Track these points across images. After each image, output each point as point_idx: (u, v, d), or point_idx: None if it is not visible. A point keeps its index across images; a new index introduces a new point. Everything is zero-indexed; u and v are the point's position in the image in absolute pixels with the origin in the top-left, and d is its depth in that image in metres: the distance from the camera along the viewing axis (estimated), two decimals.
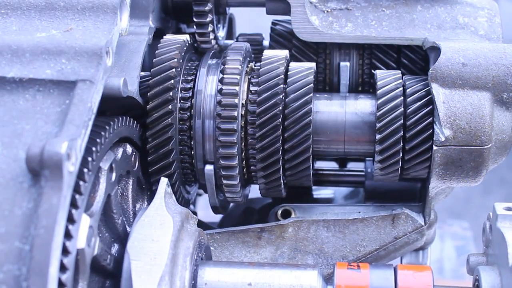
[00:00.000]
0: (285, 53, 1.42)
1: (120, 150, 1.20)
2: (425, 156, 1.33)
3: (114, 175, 1.15)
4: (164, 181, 1.20)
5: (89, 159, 1.03)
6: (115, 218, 1.16)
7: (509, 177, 4.60)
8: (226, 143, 1.33)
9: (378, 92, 1.35)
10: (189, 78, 1.38)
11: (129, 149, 1.25)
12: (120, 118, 1.20)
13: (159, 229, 1.13)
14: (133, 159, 1.27)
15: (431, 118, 1.31)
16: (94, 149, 1.06)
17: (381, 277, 1.17)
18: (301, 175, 1.38)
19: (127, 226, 1.21)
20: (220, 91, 1.34)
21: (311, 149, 1.35)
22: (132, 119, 1.27)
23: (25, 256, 0.91)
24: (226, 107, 1.33)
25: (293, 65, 1.40)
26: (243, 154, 1.36)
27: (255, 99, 1.34)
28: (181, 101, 1.35)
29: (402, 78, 1.38)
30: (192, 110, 1.36)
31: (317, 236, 1.41)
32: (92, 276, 1.06)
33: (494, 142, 1.31)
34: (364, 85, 1.54)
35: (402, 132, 1.32)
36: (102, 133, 1.10)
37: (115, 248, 1.16)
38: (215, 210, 1.46)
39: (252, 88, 1.37)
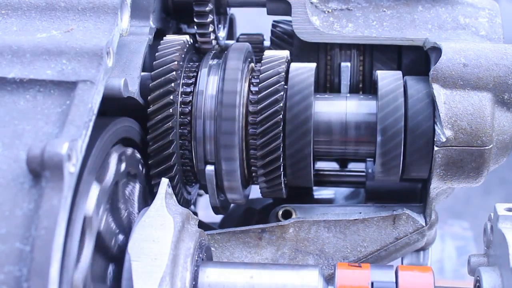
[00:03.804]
0: (285, 53, 1.42)
1: (129, 150, 1.23)
2: (426, 156, 1.32)
3: (123, 166, 1.16)
4: (165, 181, 1.19)
5: (98, 142, 1.05)
6: (108, 243, 1.14)
7: (509, 177, 4.60)
8: (227, 143, 1.33)
9: (379, 92, 1.34)
10: (190, 79, 1.38)
11: (136, 154, 1.26)
12: (120, 120, 1.21)
13: (160, 229, 1.13)
14: (139, 163, 1.28)
15: (432, 119, 1.31)
16: (101, 137, 1.08)
17: (382, 278, 1.17)
18: (301, 175, 1.38)
19: (120, 237, 1.19)
20: (221, 92, 1.34)
21: (311, 149, 1.34)
22: (131, 119, 1.28)
23: (26, 257, 0.90)
24: (227, 107, 1.33)
25: (293, 65, 1.40)
26: (244, 154, 1.36)
27: (255, 99, 1.34)
28: (182, 101, 1.35)
29: (403, 79, 1.38)
30: (193, 111, 1.35)
31: (318, 236, 1.41)
32: (95, 254, 1.06)
33: (495, 143, 1.31)
34: (365, 86, 1.53)
35: (403, 133, 1.31)
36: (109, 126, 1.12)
37: (119, 236, 1.17)
38: (216, 210, 1.45)
39: (253, 88, 1.37)
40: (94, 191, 1.06)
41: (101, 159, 1.10)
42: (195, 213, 1.71)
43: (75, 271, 0.98)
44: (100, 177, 1.10)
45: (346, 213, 1.45)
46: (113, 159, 1.16)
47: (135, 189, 1.30)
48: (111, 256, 1.14)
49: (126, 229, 1.20)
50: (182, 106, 1.35)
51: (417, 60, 1.49)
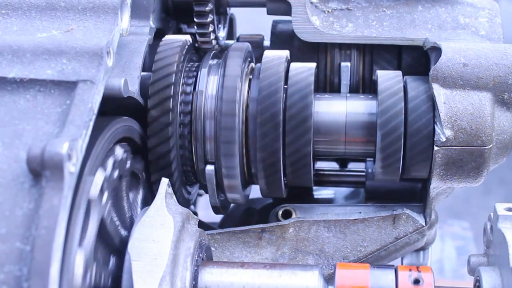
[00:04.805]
0: (285, 53, 1.42)
1: (110, 161, 1.14)
2: (426, 156, 1.32)
3: (105, 196, 1.10)
4: (165, 181, 1.20)
5: (98, 142, 1.05)
6: (110, 233, 1.14)
7: (509, 177, 4.60)
8: (227, 143, 1.33)
9: (379, 92, 1.34)
10: (190, 78, 1.38)
11: (119, 152, 1.19)
12: (120, 120, 1.21)
13: (160, 229, 1.13)
14: (124, 160, 1.21)
15: (432, 119, 1.31)
16: (102, 137, 1.07)
17: (382, 277, 1.17)
18: (301, 175, 1.38)
19: (122, 232, 1.20)
20: (220, 97, 1.34)
21: (311, 149, 1.35)
22: (132, 118, 1.28)
23: (26, 257, 0.90)
24: (227, 107, 1.33)
25: (293, 65, 1.40)
26: (244, 154, 1.36)
27: (255, 99, 1.34)
28: (182, 101, 1.35)
29: (403, 78, 1.38)
30: (193, 110, 1.36)
31: (318, 236, 1.41)
32: (98, 241, 1.07)
33: (495, 143, 1.31)
34: (364, 86, 1.54)
35: (403, 133, 1.32)
36: (95, 148, 1.08)
37: (112, 262, 1.15)
38: (216, 210, 1.45)
39: (253, 88, 1.37)
40: (99, 176, 1.07)
41: (101, 159, 1.10)
42: (195, 213, 1.71)
43: (77, 253, 0.98)
44: (105, 165, 1.10)
45: (346, 213, 1.45)
46: (119, 152, 1.16)
47: (138, 194, 1.30)
48: (113, 247, 1.14)
49: (128, 227, 1.20)
50: (182, 105, 1.35)
51: (417, 60, 1.49)
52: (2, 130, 1.01)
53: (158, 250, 1.10)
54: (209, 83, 1.37)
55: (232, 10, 1.76)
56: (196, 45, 1.53)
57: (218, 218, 1.76)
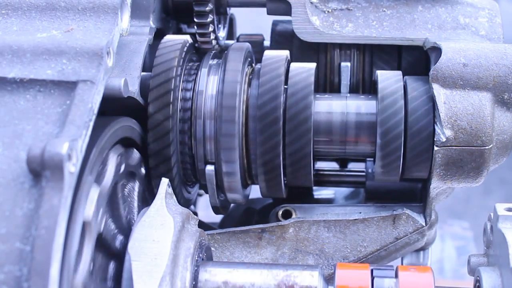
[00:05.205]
0: (285, 53, 1.42)
1: (129, 150, 1.23)
2: (426, 156, 1.33)
3: (122, 167, 1.16)
4: (165, 181, 1.20)
5: (98, 142, 1.06)
6: (120, 210, 1.16)
7: (509, 177, 4.61)
8: (227, 143, 1.33)
9: (379, 92, 1.34)
10: (190, 78, 1.38)
11: (136, 154, 1.26)
12: (120, 120, 1.21)
13: (160, 229, 1.13)
14: (139, 163, 1.28)
15: (432, 119, 1.31)
16: (102, 137, 1.08)
17: (382, 278, 1.17)
18: (301, 175, 1.38)
19: (131, 220, 1.21)
20: (221, 92, 1.34)
21: (311, 149, 1.35)
22: (132, 118, 1.28)
23: (26, 257, 0.90)
24: (227, 107, 1.33)
25: (293, 65, 1.40)
26: (244, 154, 1.36)
27: (255, 100, 1.34)
28: (182, 101, 1.36)
29: (403, 79, 1.38)
30: (193, 111, 1.36)
31: (317, 236, 1.41)
32: (96, 252, 1.07)
33: (495, 143, 1.31)
34: (365, 86, 1.54)
35: (403, 133, 1.32)
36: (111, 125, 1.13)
37: (120, 235, 1.17)
38: (216, 210, 1.46)
39: (253, 89, 1.37)
40: (93, 194, 1.05)
41: (101, 159, 1.10)
42: (195, 213, 1.71)
43: (75, 274, 0.98)
44: (99, 179, 1.10)
45: (346, 213, 1.45)
46: (112, 161, 1.15)
47: (134, 188, 1.30)
48: (112, 254, 1.14)
49: (126, 229, 1.20)
50: (182, 105, 1.35)
51: (417, 60, 1.49)
52: (2, 130, 1.01)
53: (158, 250, 1.10)
54: (209, 83, 1.37)
55: (232, 10, 1.76)
56: (196, 45, 1.53)
57: (218, 218, 1.76)
